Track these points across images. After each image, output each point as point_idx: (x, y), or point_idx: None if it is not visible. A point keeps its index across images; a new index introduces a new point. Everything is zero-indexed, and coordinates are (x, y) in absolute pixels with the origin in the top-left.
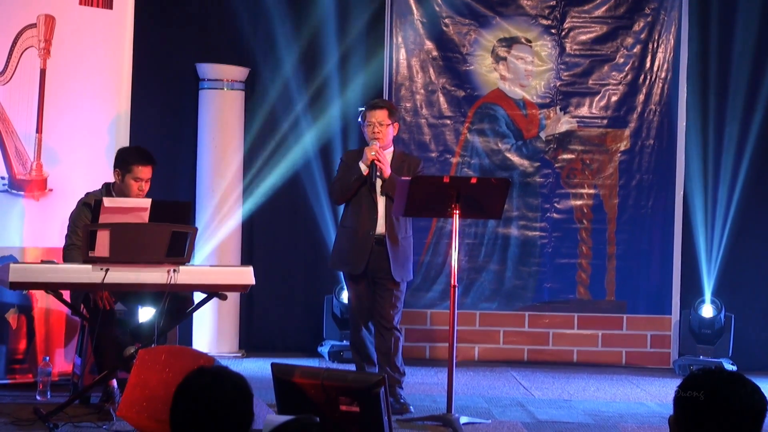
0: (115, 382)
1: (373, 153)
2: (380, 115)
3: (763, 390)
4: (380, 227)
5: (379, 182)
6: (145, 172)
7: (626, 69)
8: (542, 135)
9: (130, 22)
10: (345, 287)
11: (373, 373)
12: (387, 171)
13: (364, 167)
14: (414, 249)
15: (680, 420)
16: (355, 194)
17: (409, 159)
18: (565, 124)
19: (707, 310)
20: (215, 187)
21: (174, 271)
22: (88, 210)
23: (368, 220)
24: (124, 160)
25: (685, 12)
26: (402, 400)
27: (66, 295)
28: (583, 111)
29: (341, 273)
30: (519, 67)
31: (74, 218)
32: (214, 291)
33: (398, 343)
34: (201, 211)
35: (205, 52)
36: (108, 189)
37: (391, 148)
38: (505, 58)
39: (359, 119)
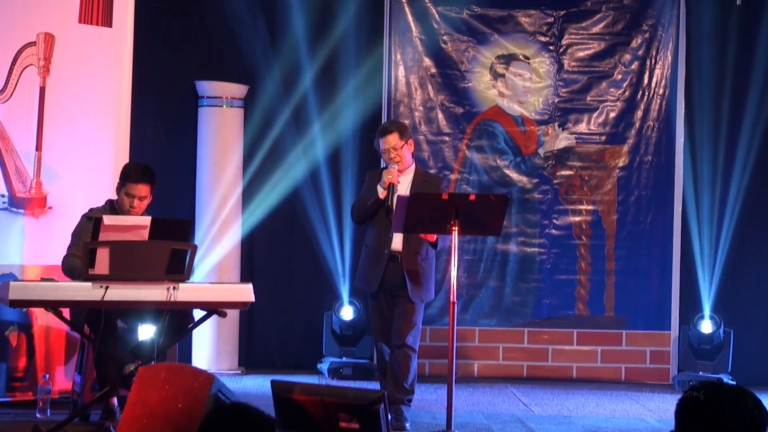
0: (115, 400)
1: (389, 176)
2: (392, 139)
3: (764, 404)
4: (395, 245)
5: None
6: (137, 189)
7: (624, 85)
8: (541, 151)
9: (130, 40)
10: (345, 304)
11: (372, 389)
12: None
13: (381, 190)
14: None
15: None
16: (375, 215)
17: (430, 178)
18: (563, 140)
19: (706, 326)
20: (215, 204)
21: (174, 288)
22: (91, 224)
23: (384, 239)
24: (123, 174)
25: (682, 28)
26: (400, 418)
27: (66, 312)
28: (582, 127)
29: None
30: (517, 84)
31: (76, 232)
32: (213, 308)
33: (408, 362)
34: (200, 228)
35: (204, 70)
36: (112, 205)
37: (413, 167)
38: (503, 75)
39: (375, 144)
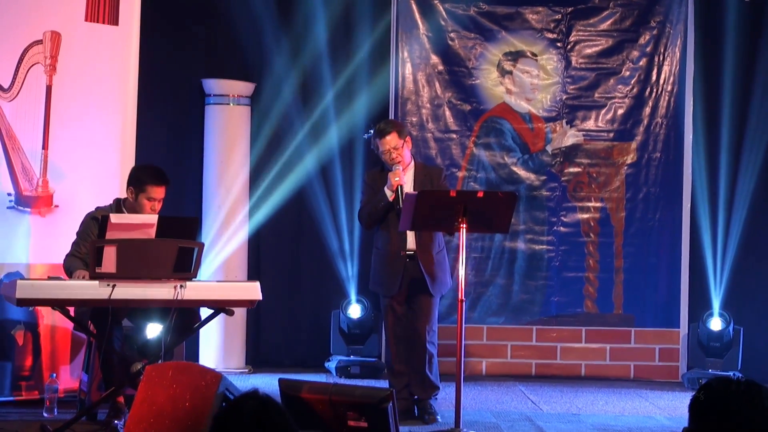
0: (122, 399)
1: (396, 178)
2: (392, 140)
3: None
4: (410, 244)
5: None
6: (158, 192)
7: (632, 82)
8: (548, 148)
9: (136, 38)
10: (353, 302)
11: (380, 387)
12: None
13: (389, 193)
14: None
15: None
16: (385, 218)
17: (431, 171)
18: (571, 137)
19: (715, 323)
20: (222, 202)
21: (181, 286)
22: (95, 224)
23: (398, 240)
24: (138, 179)
25: (690, 25)
26: (431, 410)
27: (73, 311)
28: (590, 124)
29: (376, 293)
30: (525, 81)
31: (81, 231)
32: (220, 306)
33: (432, 357)
34: (207, 226)
35: (210, 68)
36: (119, 205)
37: (412, 163)
38: (510, 72)
39: (372, 146)
